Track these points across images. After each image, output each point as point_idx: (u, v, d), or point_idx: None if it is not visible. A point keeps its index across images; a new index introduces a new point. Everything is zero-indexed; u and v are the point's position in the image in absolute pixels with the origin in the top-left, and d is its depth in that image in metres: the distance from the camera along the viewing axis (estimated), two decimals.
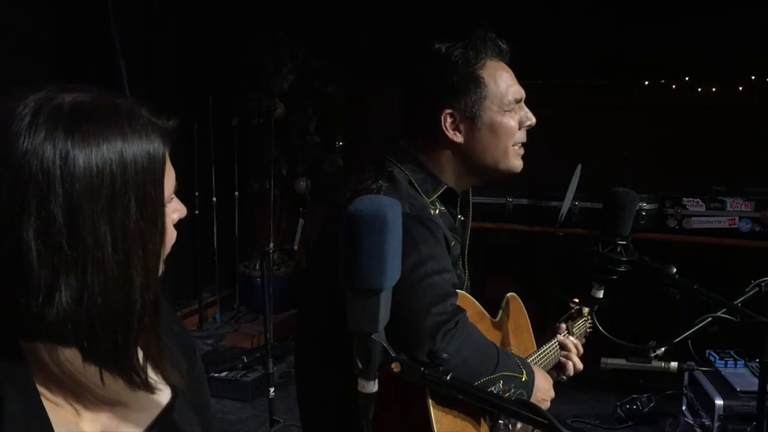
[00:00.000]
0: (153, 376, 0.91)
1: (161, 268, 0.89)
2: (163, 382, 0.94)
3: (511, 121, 1.63)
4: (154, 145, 0.86)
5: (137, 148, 0.83)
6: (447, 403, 1.41)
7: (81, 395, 0.88)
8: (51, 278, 0.79)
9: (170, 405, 0.97)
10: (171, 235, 0.93)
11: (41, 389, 0.85)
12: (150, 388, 0.90)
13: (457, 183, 1.66)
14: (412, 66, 1.66)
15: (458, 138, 1.61)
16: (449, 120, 1.60)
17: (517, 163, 1.67)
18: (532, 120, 1.67)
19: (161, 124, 0.88)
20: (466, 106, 1.59)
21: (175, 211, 0.93)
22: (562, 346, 1.86)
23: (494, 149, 1.63)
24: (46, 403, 0.85)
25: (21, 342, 0.84)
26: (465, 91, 1.59)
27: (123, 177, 0.82)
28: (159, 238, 0.87)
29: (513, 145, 1.65)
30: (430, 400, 1.37)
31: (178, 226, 0.96)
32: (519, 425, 1.61)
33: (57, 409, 0.86)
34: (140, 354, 0.88)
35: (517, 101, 1.64)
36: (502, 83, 1.62)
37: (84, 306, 0.81)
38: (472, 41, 1.60)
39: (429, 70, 1.62)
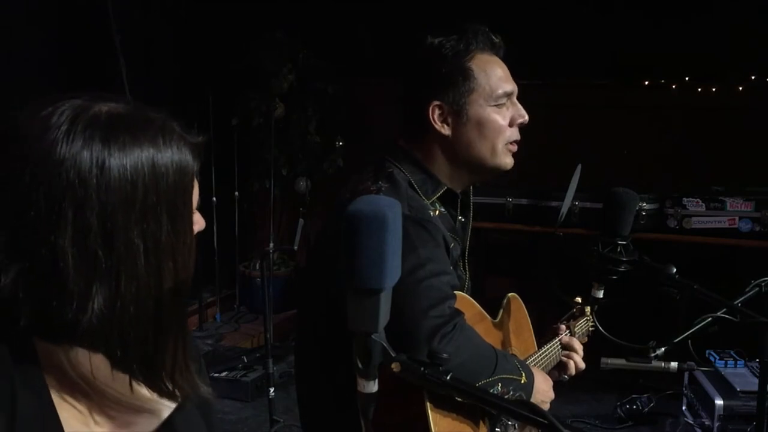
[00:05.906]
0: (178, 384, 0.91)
1: (190, 280, 0.90)
2: (190, 390, 0.95)
3: (498, 117, 1.61)
4: (186, 159, 0.87)
5: (170, 160, 0.85)
6: (445, 405, 1.40)
7: (91, 395, 0.88)
8: (85, 285, 0.80)
9: (179, 407, 0.97)
10: None
11: (52, 388, 0.86)
12: (176, 398, 0.91)
13: (452, 181, 1.65)
14: (407, 61, 1.66)
15: (446, 131, 1.61)
16: (437, 112, 1.60)
17: (506, 161, 1.65)
18: (524, 117, 1.65)
19: (192, 139, 0.90)
20: (453, 99, 1.59)
21: (195, 223, 0.94)
22: (566, 346, 1.85)
23: (481, 145, 1.61)
24: (56, 402, 0.85)
25: (35, 340, 0.84)
26: (453, 83, 1.59)
27: (156, 188, 0.83)
28: (188, 252, 0.88)
29: (506, 143, 1.63)
30: (427, 403, 1.37)
31: None
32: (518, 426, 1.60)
33: (67, 408, 0.87)
34: (169, 363, 0.89)
35: (508, 95, 1.62)
36: (493, 76, 1.61)
37: (116, 314, 0.82)
38: (464, 34, 1.61)
39: (420, 63, 1.62)
